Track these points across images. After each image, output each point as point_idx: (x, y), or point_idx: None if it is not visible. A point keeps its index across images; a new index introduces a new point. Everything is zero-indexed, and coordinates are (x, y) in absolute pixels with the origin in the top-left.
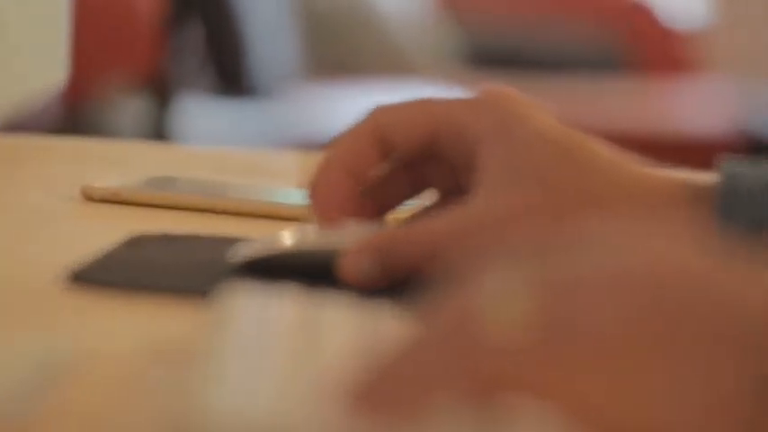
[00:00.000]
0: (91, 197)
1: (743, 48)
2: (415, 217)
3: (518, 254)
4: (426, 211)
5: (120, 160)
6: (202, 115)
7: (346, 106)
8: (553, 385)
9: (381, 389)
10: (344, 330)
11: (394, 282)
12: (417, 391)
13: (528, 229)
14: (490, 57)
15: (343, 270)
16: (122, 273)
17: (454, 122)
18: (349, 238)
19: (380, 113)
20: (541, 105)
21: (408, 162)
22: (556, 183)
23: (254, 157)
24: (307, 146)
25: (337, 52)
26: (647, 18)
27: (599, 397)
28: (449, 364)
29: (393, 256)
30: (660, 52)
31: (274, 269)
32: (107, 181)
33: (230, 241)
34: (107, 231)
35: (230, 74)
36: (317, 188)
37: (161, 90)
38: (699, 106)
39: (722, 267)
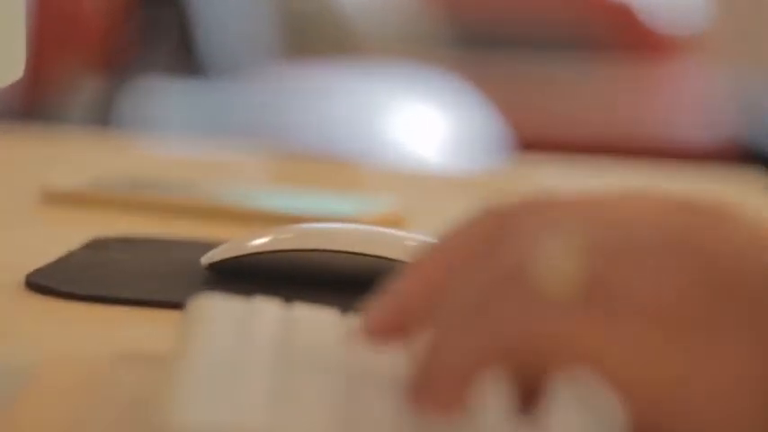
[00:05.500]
0: (52, 198)
1: (737, 45)
2: None
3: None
4: None
5: (81, 158)
6: (165, 97)
7: (311, 88)
8: (599, 346)
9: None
10: (320, 341)
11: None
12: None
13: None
14: (468, 41)
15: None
16: (83, 280)
17: None
18: (330, 240)
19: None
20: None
21: None
22: None
23: (221, 155)
24: (266, 129)
25: (304, 34)
26: (627, 9)
27: (644, 364)
28: (500, 311)
29: None
30: (642, 45)
31: (246, 271)
32: (68, 181)
33: (196, 244)
34: (68, 234)
35: (192, 55)
36: (399, 296)
37: (121, 73)
38: (682, 103)
39: None
